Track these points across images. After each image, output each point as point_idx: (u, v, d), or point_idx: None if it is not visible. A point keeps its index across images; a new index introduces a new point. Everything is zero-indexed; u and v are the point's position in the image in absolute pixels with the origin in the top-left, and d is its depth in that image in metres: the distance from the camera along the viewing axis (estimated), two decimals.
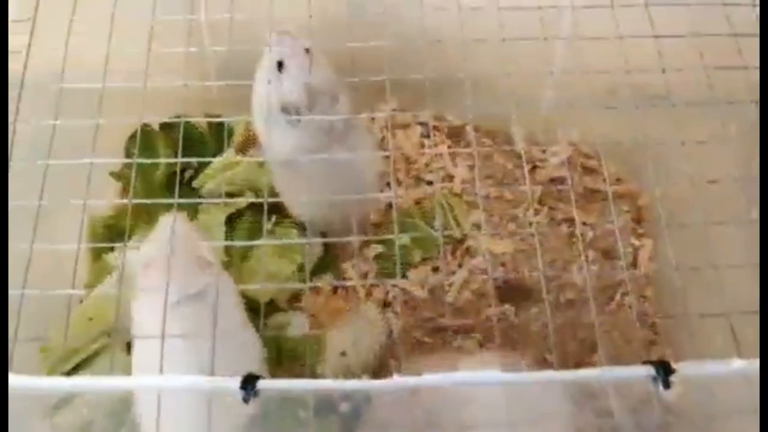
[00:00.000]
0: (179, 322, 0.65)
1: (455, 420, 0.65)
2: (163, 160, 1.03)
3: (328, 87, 0.85)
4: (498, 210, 1.11)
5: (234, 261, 0.95)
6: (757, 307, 0.55)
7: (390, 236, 0.98)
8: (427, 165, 1.15)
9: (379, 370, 0.93)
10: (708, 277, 0.59)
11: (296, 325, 0.91)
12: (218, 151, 1.07)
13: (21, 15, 0.68)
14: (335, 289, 1.02)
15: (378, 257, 1.04)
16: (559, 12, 0.73)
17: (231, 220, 1.01)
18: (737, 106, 0.71)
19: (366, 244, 1.05)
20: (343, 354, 0.92)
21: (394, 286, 1.01)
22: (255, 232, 0.98)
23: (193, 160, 1.03)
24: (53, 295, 0.57)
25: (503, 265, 1.07)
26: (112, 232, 0.99)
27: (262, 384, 0.48)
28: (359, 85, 0.73)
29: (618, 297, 1.06)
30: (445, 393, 0.65)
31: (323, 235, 1.01)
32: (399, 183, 1.13)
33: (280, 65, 0.82)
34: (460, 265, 1.06)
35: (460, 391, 0.65)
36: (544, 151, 1.19)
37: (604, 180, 1.12)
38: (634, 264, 1.09)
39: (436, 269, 1.05)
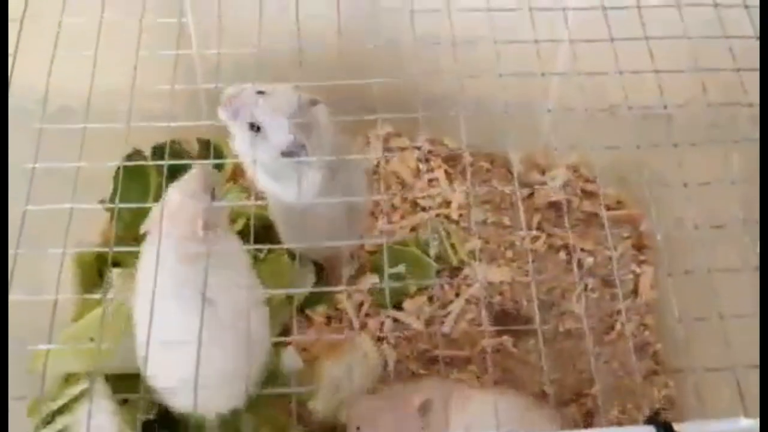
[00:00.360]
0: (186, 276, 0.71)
1: None
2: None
3: (307, 117, 0.81)
4: (495, 237, 1.09)
5: None
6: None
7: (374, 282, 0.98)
8: (422, 191, 1.13)
9: None
10: (714, 326, 0.57)
11: (288, 362, 0.89)
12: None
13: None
14: (329, 320, 1.00)
15: (373, 287, 1.02)
16: (557, 45, 0.70)
17: None
18: (739, 134, 0.69)
19: (360, 273, 1.03)
20: (337, 387, 0.90)
21: (388, 317, 0.99)
22: None
23: None
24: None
25: (501, 294, 1.05)
26: (101, 262, 0.97)
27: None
28: (352, 110, 0.71)
29: (618, 326, 1.03)
30: None
31: (315, 264, 0.99)
32: (394, 209, 1.11)
33: (253, 127, 0.79)
34: (457, 294, 1.04)
35: None
36: (543, 174, 1.17)
37: (602, 205, 1.10)
38: (634, 291, 1.07)
39: (432, 299, 1.03)
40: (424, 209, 1.11)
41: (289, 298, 0.92)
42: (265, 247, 0.91)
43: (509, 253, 1.08)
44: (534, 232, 1.10)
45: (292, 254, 0.97)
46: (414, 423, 0.75)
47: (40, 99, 0.65)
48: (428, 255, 1.03)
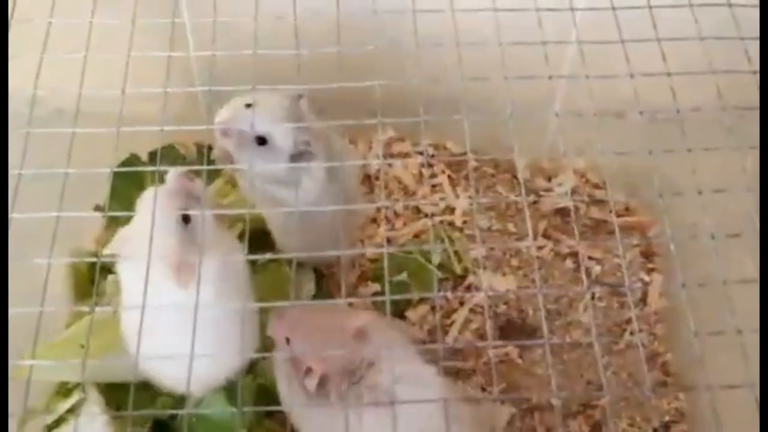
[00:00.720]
0: None
1: None
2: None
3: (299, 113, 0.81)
4: (500, 244, 1.07)
5: None
6: None
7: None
8: (425, 197, 1.10)
9: None
10: (728, 338, 0.54)
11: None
12: (208, 181, 1.02)
13: None
14: None
15: (375, 295, 0.99)
16: (565, 47, 0.68)
17: None
18: (753, 139, 0.67)
19: (362, 282, 1.00)
20: None
21: None
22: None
23: None
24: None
25: (506, 303, 1.02)
26: (95, 269, 0.94)
27: None
28: (353, 114, 0.68)
29: (627, 335, 1.01)
30: None
31: (315, 272, 0.97)
32: (396, 216, 1.08)
33: (261, 141, 0.78)
34: (461, 303, 1.01)
35: None
36: (549, 180, 1.15)
37: (611, 211, 1.08)
38: (643, 300, 1.04)
39: (434, 308, 1.00)
40: (427, 216, 1.08)
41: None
42: (265, 257, 0.89)
43: (515, 261, 1.06)
44: (540, 240, 1.07)
45: (290, 263, 0.94)
46: (346, 347, 0.71)
47: (34, 102, 0.64)
48: (431, 263, 1.00)
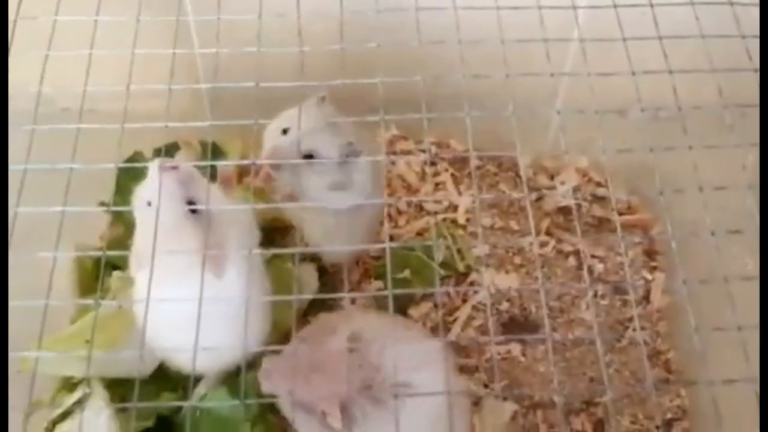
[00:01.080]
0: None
1: None
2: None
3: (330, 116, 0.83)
4: (503, 242, 1.07)
5: None
6: None
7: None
8: (428, 195, 1.11)
9: None
10: (730, 335, 0.54)
11: None
12: (213, 177, 1.03)
13: None
14: None
15: (378, 292, 1.00)
16: (567, 45, 0.68)
17: None
18: (754, 137, 0.67)
19: (365, 279, 1.01)
20: None
21: None
22: None
23: None
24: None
25: (509, 300, 1.02)
26: (99, 266, 0.95)
27: None
28: (356, 111, 0.69)
29: (629, 333, 1.01)
30: None
31: (319, 267, 0.97)
32: (400, 213, 1.09)
33: (309, 157, 0.81)
34: (464, 301, 1.01)
35: None
36: (552, 178, 1.15)
37: (613, 210, 1.08)
38: (646, 298, 1.04)
39: (437, 305, 1.01)
40: (430, 214, 1.09)
41: (290, 303, 0.90)
42: (274, 251, 0.89)
43: (517, 259, 1.06)
44: (543, 238, 1.08)
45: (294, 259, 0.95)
46: (345, 363, 0.71)
47: (42, 101, 0.64)
48: (434, 260, 1.01)
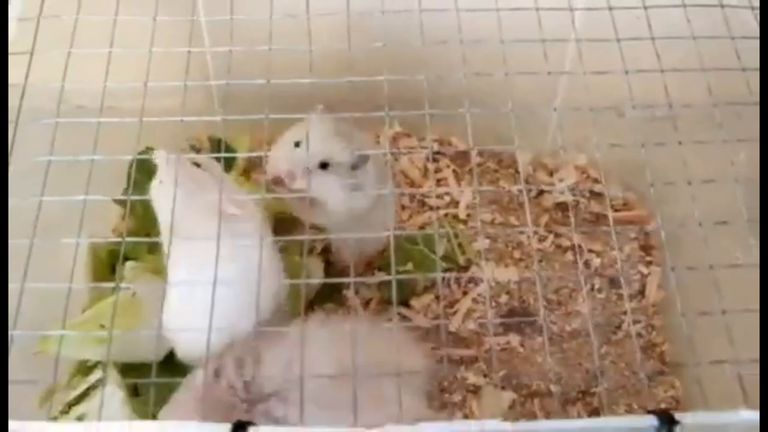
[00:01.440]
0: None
1: None
2: None
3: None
4: (503, 236, 1.10)
5: None
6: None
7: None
8: (430, 190, 1.14)
9: None
10: (717, 322, 0.57)
11: None
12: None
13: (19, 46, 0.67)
14: None
15: (381, 284, 1.03)
16: (564, 45, 0.71)
17: None
18: (742, 133, 0.69)
19: (369, 270, 1.04)
20: None
21: (398, 314, 1.00)
22: None
23: None
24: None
25: (508, 293, 1.05)
26: (114, 257, 0.98)
27: None
28: (360, 110, 0.72)
29: (625, 326, 1.04)
30: None
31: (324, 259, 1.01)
32: (403, 208, 1.12)
33: (324, 166, 0.86)
34: (465, 293, 1.04)
35: None
36: (551, 175, 1.18)
37: (610, 206, 1.11)
38: (641, 292, 1.07)
39: (439, 297, 1.04)
40: (432, 208, 1.12)
41: (297, 293, 0.93)
42: (283, 238, 0.92)
43: (516, 253, 1.09)
44: (541, 232, 1.11)
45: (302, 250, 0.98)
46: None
47: (58, 98, 0.67)
48: (435, 254, 1.04)
